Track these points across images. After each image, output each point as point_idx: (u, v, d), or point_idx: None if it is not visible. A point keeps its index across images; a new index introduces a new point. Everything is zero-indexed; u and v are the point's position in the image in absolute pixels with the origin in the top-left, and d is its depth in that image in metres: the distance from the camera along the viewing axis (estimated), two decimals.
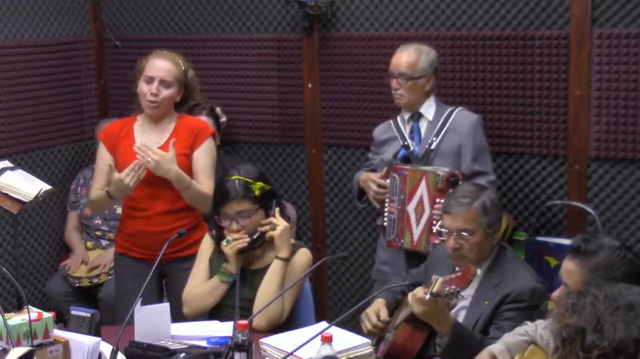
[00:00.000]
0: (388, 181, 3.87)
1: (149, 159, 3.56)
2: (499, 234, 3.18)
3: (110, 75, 5.28)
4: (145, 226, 3.74)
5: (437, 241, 3.65)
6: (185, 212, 3.76)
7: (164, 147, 3.67)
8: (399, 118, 4.02)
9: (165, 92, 3.69)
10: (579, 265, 2.50)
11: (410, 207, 3.79)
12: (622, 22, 3.98)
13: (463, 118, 3.93)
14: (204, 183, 3.68)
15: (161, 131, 3.77)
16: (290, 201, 4.79)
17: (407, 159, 3.90)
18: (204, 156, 3.74)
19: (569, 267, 2.53)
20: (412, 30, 4.43)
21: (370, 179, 3.93)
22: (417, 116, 3.96)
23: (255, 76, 4.89)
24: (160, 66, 3.71)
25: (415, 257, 3.79)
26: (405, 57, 3.91)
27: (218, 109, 4.71)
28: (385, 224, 3.91)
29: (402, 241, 3.83)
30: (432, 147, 3.87)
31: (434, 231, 3.56)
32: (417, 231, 3.78)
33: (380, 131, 4.08)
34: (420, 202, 3.77)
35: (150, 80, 3.69)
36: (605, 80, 4.03)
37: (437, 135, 3.88)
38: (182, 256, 3.69)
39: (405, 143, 3.91)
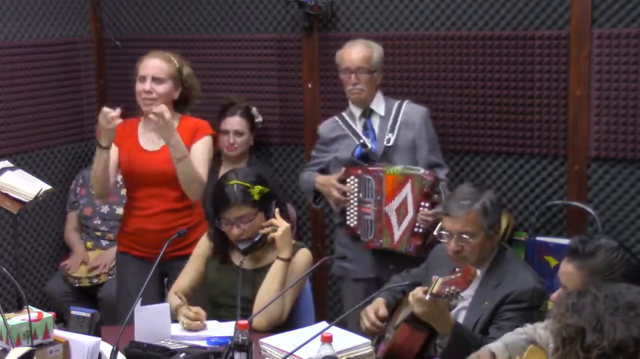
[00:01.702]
0: (350, 181, 3.89)
1: (160, 118, 3.58)
2: (499, 235, 3.18)
3: (110, 75, 5.28)
4: (146, 225, 3.75)
5: (418, 242, 3.74)
6: (187, 211, 3.77)
7: (166, 148, 3.68)
8: (345, 115, 4.04)
9: (159, 88, 3.70)
10: (578, 268, 2.49)
11: (390, 208, 3.83)
12: (622, 22, 3.99)
13: (413, 111, 3.99)
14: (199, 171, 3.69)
15: None
16: (290, 201, 4.79)
17: (365, 157, 3.91)
18: (201, 148, 3.74)
19: (567, 270, 2.52)
20: (412, 30, 4.43)
21: (331, 184, 3.94)
22: (368, 112, 3.97)
23: (255, 76, 4.89)
24: (151, 64, 3.74)
25: (384, 255, 3.86)
26: (358, 52, 3.95)
27: (254, 109, 4.70)
28: (350, 223, 3.93)
29: (380, 241, 3.88)
30: (390, 144, 3.90)
31: (435, 233, 3.57)
32: (398, 232, 3.83)
33: (328, 129, 4.08)
34: (404, 204, 3.81)
35: (143, 79, 3.72)
36: (605, 80, 4.03)
37: (391, 131, 3.92)
38: (183, 254, 3.68)
39: (361, 141, 3.92)
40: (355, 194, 3.90)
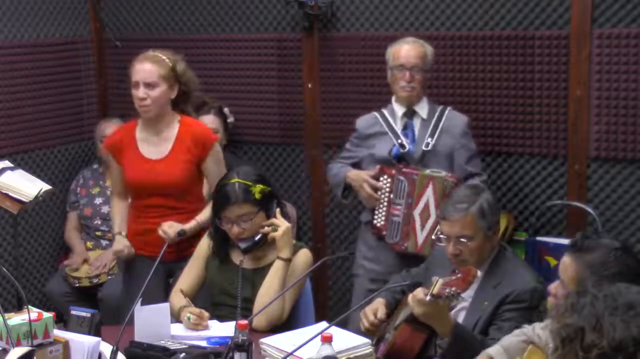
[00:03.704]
0: (383, 180, 3.85)
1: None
2: (498, 236, 3.17)
3: (110, 75, 5.28)
4: (153, 226, 3.74)
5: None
6: (195, 213, 3.76)
7: (170, 157, 3.71)
8: (386, 112, 3.99)
9: (153, 93, 3.69)
10: (574, 260, 2.52)
11: (416, 212, 3.78)
12: (622, 22, 3.99)
13: (455, 119, 3.94)
14: None
15: (164, 139, 3.77)
16: (290, 201, 4.79)
17: (401, 158, 3.88)
18: (215, 165, 3.77)
19: (564, 261, 2.56)
20: (412, 30, 4.42)
21: (363, 180, 3.89)
22: (411, 113, 3.95)
23: (255, 76, 4.89)
24: (142, 69, 3.71)
25: (409, 261, 3.76)
26: (413, 49, 3.91)
27: (226, 109, 4.73)
28: (378, 223, 3.88)
29: (405, 244, 3.82)
30: (429, 148, 3.86)
31: (433, 237, 3.56)
32: (421, 236, 3.78)
33: (366, 124, 4.03)
34: (426, 206, 3.76)
35: (136, 85, 3.71)
36: (605, 80, 4.03)
37: (431, 135, 3.88)
38: (188, 254, 3.68)
39: (400, 141, 3.89)
40: (387, 194, 3.85)
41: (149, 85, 3.68)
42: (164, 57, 3.76)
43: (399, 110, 3.95)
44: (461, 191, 3.21)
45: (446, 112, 3.95)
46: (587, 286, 2.28)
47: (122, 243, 3.82)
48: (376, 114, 4.01)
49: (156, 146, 3.77)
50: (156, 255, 3.65)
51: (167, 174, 3.71)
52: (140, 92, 3.68)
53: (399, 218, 3.83)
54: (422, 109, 3.94)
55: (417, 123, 3.93)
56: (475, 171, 3.90)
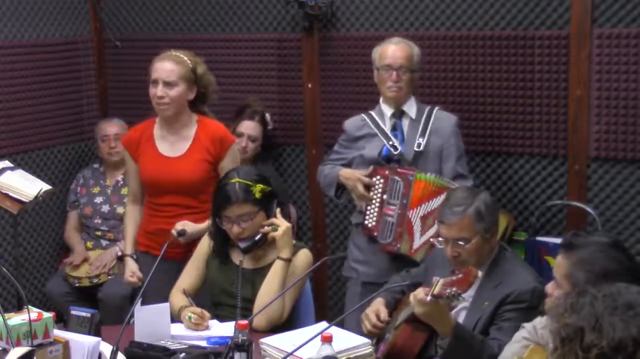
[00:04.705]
0: (375, 180, 3.84)
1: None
2: (497, 237, 3.16)
3: (110, 75, 5.29)
4: (166, 225, 3.73)
5: None
6: (207, 213, 3.76)
7: (188, 155, 3.72)
8: (374, 114, 3.98)
9: (171, 93, 3.70)
10: (565, 258, 2.54)
11: (415, 214, 3.77)
12: (622, 22, 3.99)
13: (444, 119, 3.93)
14: None
15: (182, 138, 3.78)
16: (290, 201, 4.79)
17: (389, 159, 3.88)
18: (232, 165, 3.75)
19: (557, 260, 2.58)
20: (412, 30, 4.43)
21: (357, 178, 3.87)
22: (399, 114, 3.94)
23: (255, 76, 4.89)
24: (162, 68, 3.72)
25: (403, 262, 3.76)
26: (401, 49, 3.90)
27: (267, 116, 4.68)
28: (369, 223, 3.87)
29: (398, 246, 3.80)
30: (421, 149, 3.85)
31: (431, 240, 3.55)
32: (419, 240, 3.77)
33: (355, 126, 4.01)
34: (432, 214, 3.73)
35: (155, 83, 3.72)
36: (605, 80, 4.03)
37: (422, 136, 3.87)
38: None
39: (391, 143, 3.88)
40: (379, 195, 3.83)
41: (168, 85, 3.70)
42: (185, 58, 3.77)
43: (388, 111, 3.94)
44: (458, 194, 3.19)
45: (434, 111, 3.94)
46: (579, 283, 2.30)
47: (135, 274, 3.83)
48: (364, 115, 4.00)
49: (174, 144, 3.78)
50: (170, 255, 3.67)
51: (182, 171, 3.72)
52: (158, 90, 3.69)
53: (393, 219, 3.82)
54: (411, 109, 3.94)
55: (405, 123, 3.93)
56: (462, 172, 3.90)
